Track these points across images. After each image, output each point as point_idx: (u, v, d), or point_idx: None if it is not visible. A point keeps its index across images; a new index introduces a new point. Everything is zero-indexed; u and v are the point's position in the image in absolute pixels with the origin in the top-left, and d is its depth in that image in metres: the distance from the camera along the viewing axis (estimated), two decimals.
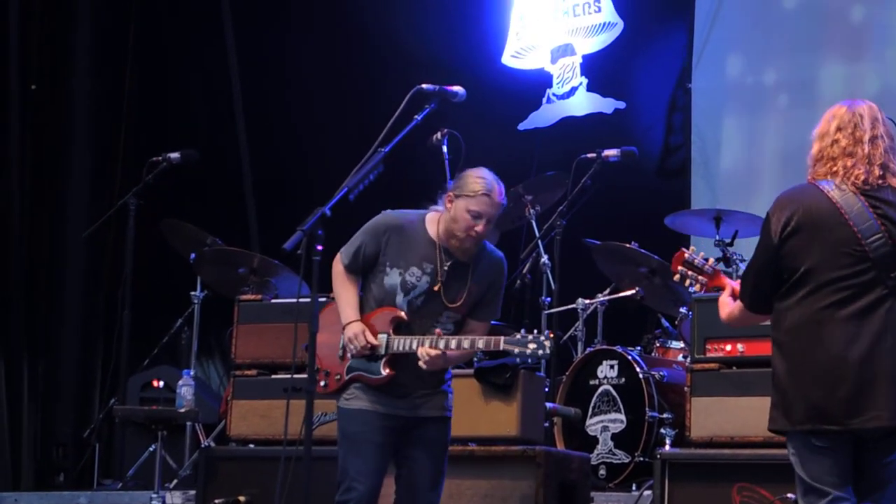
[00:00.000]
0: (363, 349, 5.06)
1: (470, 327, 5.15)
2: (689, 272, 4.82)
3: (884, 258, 4.29)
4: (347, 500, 5.00)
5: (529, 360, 4.98)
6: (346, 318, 5.12)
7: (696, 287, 4.86)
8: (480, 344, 5.02)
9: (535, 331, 5.01)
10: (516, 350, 4.95)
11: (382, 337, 5.08)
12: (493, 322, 5.26)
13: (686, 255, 4.84)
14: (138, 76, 10.05)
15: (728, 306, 4.65)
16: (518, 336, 4.97)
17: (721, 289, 4.75)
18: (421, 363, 5.00)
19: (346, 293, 5.17)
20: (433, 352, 4.98)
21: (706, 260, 4.82)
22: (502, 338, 4.98)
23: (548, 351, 4.94)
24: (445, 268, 5.11)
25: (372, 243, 5.14)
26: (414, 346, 5.03)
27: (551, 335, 4.97)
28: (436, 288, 5.09)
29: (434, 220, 5.17)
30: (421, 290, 5.10)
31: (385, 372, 5.07)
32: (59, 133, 9.77)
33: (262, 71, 10.05)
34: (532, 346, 4.94)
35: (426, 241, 5.14)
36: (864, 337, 4.24)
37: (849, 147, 4.38)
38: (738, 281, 4.69)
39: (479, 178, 5.10)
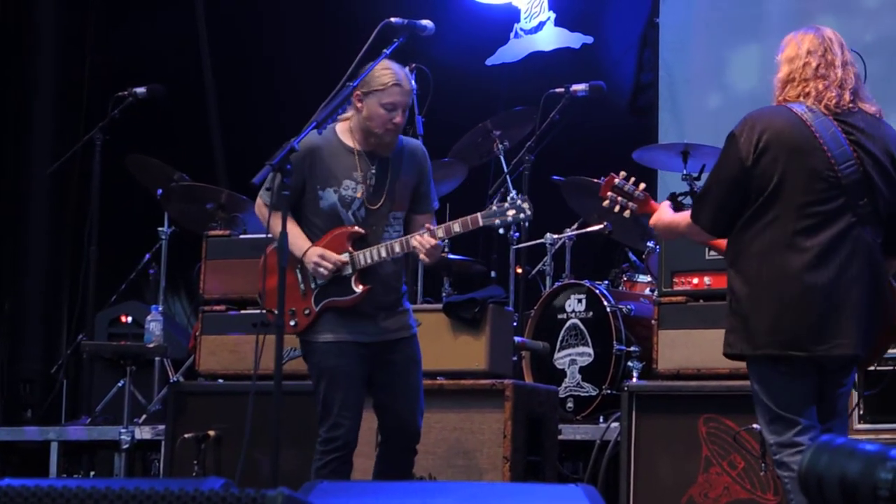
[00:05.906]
0: (336, 263, 4.95)
1: (417, 223, 5.05)
2: (619, 198, 4.73)
3: (854, 185, 4.26)
4: (336, 437, 4.90)
5: (513, 227, 4.91)
6: (301, 249, 4.97)
7: (626, 213, 4.76)
8: (457, 227, 4.91)
9: (510, 196, 4.92)
10: (497, 221, 4.87)
11: (346, 255, 4.98)
12: (463, 258, 5.18)
13: (616, 181, 4.75)
14: (104, 9, 9.93)
15: (666, 214, 4.57)
16: (494, 208, 4.90)
17: (649, 215, 4.68)
18: (422, 256, 4.91)
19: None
20: (431, 240, 4.86)
21: (636, 185, 4.74)
22: (479, 214, 4.91)
23: (528, 213, 4.85)
24: (372, 171, 5.01)
25: (296, 175, 4.87)
26: (378, 255, 4.95)
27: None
28: (362, 194, 4.97)
29: (346, 129, 5.05)
30: (361, 202, 5.00)
31: (359, 289, 4.98)
32: (22, 67, 9.65)
33: (230, 2, 9.95)
34: (511, 212, 4.85)
35: (346, 151, 5.03)
36: (831, 264, 4.23)
37: (821, 69, 4.32)
38: (667, 201, 4.64)
39: (386, 70, 4.96)
